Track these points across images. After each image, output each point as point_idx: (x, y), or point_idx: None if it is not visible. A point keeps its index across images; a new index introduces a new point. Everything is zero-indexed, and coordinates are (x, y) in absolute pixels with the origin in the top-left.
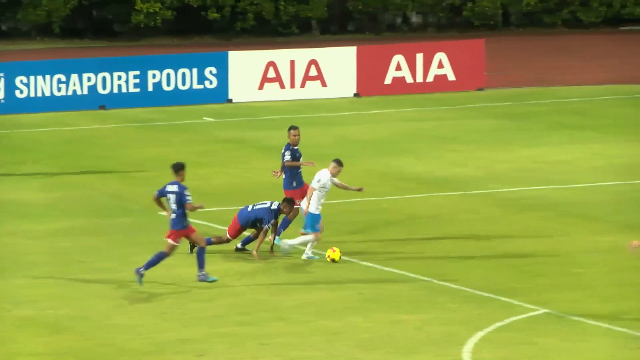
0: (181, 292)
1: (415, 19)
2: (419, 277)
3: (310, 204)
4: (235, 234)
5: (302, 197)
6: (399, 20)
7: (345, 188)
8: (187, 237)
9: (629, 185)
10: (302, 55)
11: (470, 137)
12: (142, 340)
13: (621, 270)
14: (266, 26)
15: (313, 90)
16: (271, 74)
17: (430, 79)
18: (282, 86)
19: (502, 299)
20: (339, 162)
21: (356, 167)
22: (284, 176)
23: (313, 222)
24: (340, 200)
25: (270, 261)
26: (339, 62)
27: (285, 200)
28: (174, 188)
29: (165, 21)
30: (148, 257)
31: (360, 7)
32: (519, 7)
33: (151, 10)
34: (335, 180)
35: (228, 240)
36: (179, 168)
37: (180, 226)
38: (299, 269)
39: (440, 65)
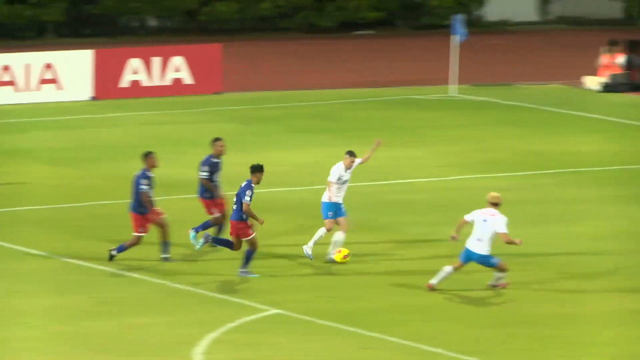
0: None
1: (152, 22)
2: (154, 280)
3: (328, 195)
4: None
5: (217, 208)
6: (136, 24)
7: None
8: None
9: (366, 186)
10: (37, 59)
11: (207, 141)
12: None
13: (353, 270)
14: (1, 29)
15: (49, 94)
16: (5, 77)
17: (167, 82)
18: (17, 89)
19: (235, 300)
20: (350, 154)
21: (93, 170)
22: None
23: (327, 210)
24: (75, 204)
25: (5, 264)
26: (75, 66)
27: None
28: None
29: None
30: None
31: (96, 10)
32: (255, 12)
33: None
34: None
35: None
36: (255, 170)
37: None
38: (37, 274)
39: (178, 69)
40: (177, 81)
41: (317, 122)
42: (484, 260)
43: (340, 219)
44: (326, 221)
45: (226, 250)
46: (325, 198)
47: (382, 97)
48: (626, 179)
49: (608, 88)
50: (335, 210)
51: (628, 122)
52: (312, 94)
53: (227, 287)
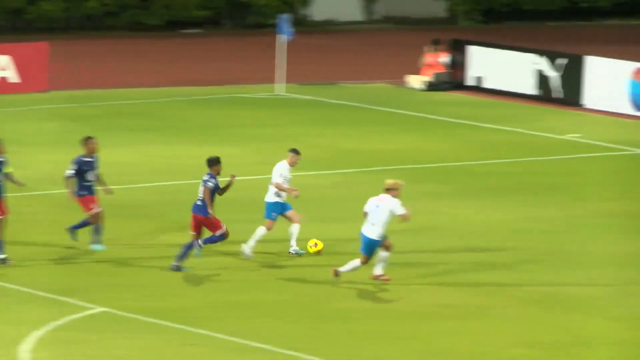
0: None
1: None
2: None
3: (270, 194)
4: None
5: (95, 204)
6: None
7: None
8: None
9: (185, 185)
10: None
11: (33, 139)
12: None
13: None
14: None
15: None
16: None
17: None
18: None
19: (61, 298)
20: (295, 151)
21: None
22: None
23: (270, 210)
24: None
25: None
26: None
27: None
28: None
29: None
30: None
31: None
32: (81, 11)
33: None
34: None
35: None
36: (213, 162)
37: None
38: None
39: (3, 68)
40: (3, 80)
41: (142, 121)
42: (371, 246)
43: (289, 213)
44: (268, 221)
45: (55, 248)
46: (269, 198)
47: (208, 96)
48: (446, 176)
49: (431, 87)
50: (280, 209)
51: (450, 120)
52: (138, 92)
53: (54, 286)
